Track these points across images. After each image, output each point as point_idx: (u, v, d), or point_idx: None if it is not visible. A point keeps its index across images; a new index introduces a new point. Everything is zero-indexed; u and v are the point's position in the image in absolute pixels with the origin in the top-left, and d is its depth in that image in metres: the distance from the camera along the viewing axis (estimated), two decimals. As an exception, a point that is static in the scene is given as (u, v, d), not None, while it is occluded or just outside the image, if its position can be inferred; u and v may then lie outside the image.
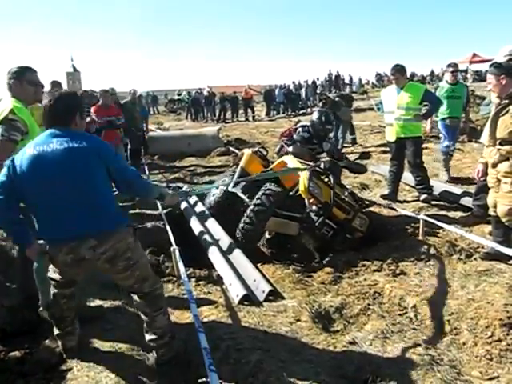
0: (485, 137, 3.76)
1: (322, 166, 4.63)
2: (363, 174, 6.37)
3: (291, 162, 4.48)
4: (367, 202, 4.91)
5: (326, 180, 4.41)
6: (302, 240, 4.49)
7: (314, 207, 4.20)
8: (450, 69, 6.76)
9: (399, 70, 5.50)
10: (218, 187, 5.32)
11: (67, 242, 2.22)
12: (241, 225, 4.19)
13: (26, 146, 2.29)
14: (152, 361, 2.55)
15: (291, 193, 4.39)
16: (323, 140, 5.29)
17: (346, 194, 4.59)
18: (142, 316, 2.53)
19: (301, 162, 4.43)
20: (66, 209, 2.20)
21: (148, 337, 2.53)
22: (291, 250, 4.51)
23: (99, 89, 7.75)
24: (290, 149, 5.14)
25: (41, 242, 2.33)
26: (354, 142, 10.58)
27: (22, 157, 2.21)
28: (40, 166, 2.18)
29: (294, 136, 5.34)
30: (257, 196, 4.20)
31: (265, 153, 5.63)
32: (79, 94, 7.12)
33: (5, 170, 2.23)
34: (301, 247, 4.55)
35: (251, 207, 4.18)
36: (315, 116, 5.35)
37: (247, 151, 5.49)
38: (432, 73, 33.39)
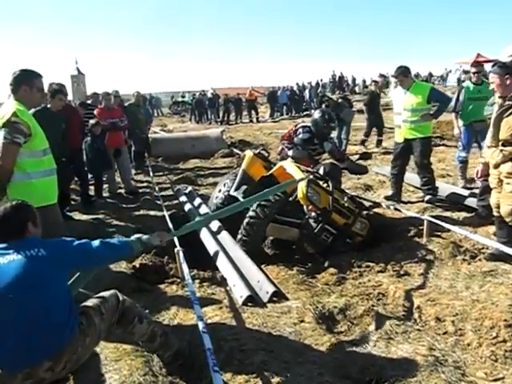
0: (487, 137, 3.74)
1: (321, 171, 4.61)
2: (367, 175, 6.36)
3: (290, 167, 4.43)
4: (369, 204, 4.87)
5: (325, 186, 4.36)
6: (302, 244, 4.45)
7: (312, 214, 4.18)
8: (473, 69, 6.24)
9: (402, 71, 5.47)
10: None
11: (21, 370, 1.97)
12: (239, 236, 4.20)
13: None
14: (159, 363, 2.55)
15: (291, 198, 4.32)
16: (325, 140, 5.21)
17: (346, 198, 4.55)
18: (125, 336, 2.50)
19: (299, 167, 4.38)
20: (14, 335, 1.98)
21: (141, 344, 2.53)
22: (295, 252, 4.50)
23: (102, 91, 7.78)
24: (290, 152, 5.10)
25: None
26: (379, 143, 10.44)
27: None
28: None
29: (295, 139, 5.27)
30: (252, 208, 4.15)
31: (266, 154, 5.57)
32: (87, 97, 7.16)
33: None
34: (303, 249, 4.53)
35: (247, 220, 4.15)
36: (318, 115, 5.25)
37: (248, 153, 5.43)
38: (430, 74, 33.05)
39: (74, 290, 2.41)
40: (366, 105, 10.77)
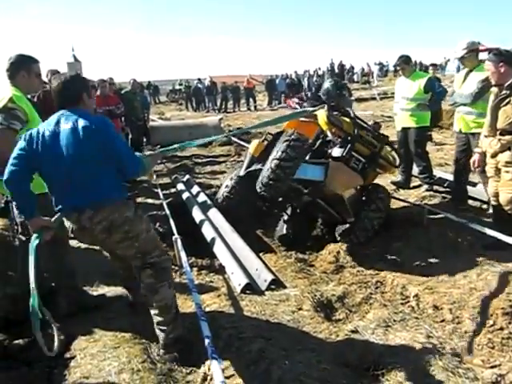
0: (484, 127, 3.73)
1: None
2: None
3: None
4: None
5: (346, 113, 4.08)
6: (330, 189, 3.93)
7: (338, 140, 3.99)
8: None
9: (404, 60, 5.55)
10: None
11: (71, 212, 2.43)
12: (264, 179, 3.73)
13: (40, 124, 2.50)
14: (160, 344, 2.56)
15: (314, 146, 4.07)
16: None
17: (367, 128, 4.19)
18: (145, 292, 2.55)
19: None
20: (69, 182, 2.39)
21: (153, 312, 2.54)
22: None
23: (97, 79, 7.69)
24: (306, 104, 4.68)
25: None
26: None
27: (38, 133, 2.39)
28: (51, 143, 2.36)
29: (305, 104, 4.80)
30: (281, 148, 3.69)
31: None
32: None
33: (21, 143, 2.40)
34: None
35: (275, 162, 3.66)
36: (329, 83, 4.90)
37: (255, 141, 5.22)
38: (420, 63, 32.24)
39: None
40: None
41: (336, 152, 3.97)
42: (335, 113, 3.98)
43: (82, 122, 2.36)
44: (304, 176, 3.81)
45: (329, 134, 4.02)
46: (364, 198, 4.22)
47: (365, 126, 4.15)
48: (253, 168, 4.55)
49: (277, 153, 3.71)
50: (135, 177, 2.88)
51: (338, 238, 4.16)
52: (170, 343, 2.53)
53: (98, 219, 2.39)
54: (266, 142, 4.86)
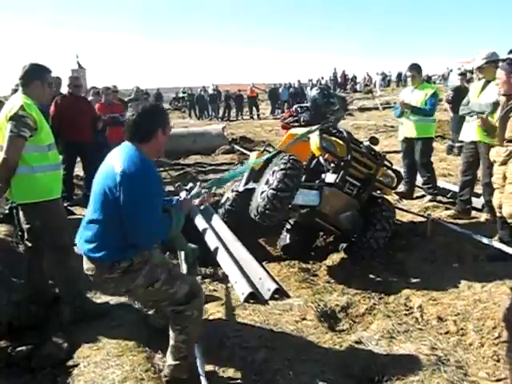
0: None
1: (332, 120, 4.30)
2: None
3: (300, 130, 4.11)
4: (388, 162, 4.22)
5: (339, 135, 3.96)
6: (326, 214, 3.92)
7: (331, 165, 3.85)
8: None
9: (416, 67, 5.61)
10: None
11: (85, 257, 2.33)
12: (260, 208, 3.65)
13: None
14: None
15: (308, 165, 4.05)
16: (325, 118, 4.62)
17: (363, 148, 4.03)
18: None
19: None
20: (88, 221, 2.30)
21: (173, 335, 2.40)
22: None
23: (102, 86, 7.75)
24: (302, 117, 4.66)
25: None
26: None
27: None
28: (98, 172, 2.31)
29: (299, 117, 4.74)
30: (279, 177, 3.58)
31: (272, 150, 5.24)
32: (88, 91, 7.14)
33: None
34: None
35: (272, 192, 3.56)
36: (316, 92, 4.80)
37: (254, 153, 5.21)
38: (399, 75, 32.11)
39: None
40: (451, 102, 8.76)
41: (329, 178, 3.85)
42: (327, 135, 3.86)
43: (121, 165, 2.16)
44: (299, 202, 3.75)
45: (321, 160, 3.91)
46: (369, 216, 3.98)
47: (359, 147, 3.99)
48: (250, 186, 4.52)
49: (273, 181, 3.62)
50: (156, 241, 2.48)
51: (343, 253, 4.12)
52: (170, 378, 2.40)
53: (99, 277, 2.30)
54: (266, 155, 4.71)
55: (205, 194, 2.72)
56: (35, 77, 2.98)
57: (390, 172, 4.10)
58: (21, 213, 3.13)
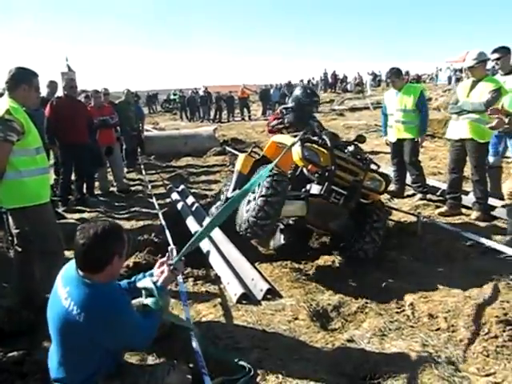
0: None
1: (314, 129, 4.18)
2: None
3: (281, 137, 4.08)
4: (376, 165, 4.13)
5: (322, 143, 3.81)
6: (315, 222, 3.93)
7: (315, 175, 3.70)
8: (495, 55, 5.01)
9: (394, 72, 5.66)
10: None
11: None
12: (251, 218, 3.53)
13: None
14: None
15: (293, 174, 4.00)
16: (310, 117, 4.70)
17: (348, 153, 3.91)
18: None
19: (295, 136, 3.88)
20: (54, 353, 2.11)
21: None
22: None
23: (91, 89, 7.72)
24: (286, 119, 4.57)
25: None
26: None
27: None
28: (50, 305, 2.10)
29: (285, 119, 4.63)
30: (266, 184, 3.52)
31: (260, 152, 5.00)
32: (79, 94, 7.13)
33: None
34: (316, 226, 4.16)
35: (262, 199, 3.49)
36: (299, 91, 4.73)
37: (241, 155, 5.00)
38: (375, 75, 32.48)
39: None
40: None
41: (314, 189, 3.74)
42: (310, 144, 3.74)
43: (78, 307, 1.92)
44: (286, 213, 3.74)
45: (305, 171, 3.75)
46: (359, 224, 3.93)
47: (344, 153, 3.87)
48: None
49: (261, 190, 3.54)
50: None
51: (341, 255, 4.06)
52: None
53: None
54: (253, 159, 4.64)
55: (181, 263, 2.42)
56: (22, 80, 2.97)
57: (377, 176, 3.92)
58: (10, 218, 3.11)
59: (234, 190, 4.51)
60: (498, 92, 4.45)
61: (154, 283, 2.22)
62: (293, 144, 3.66)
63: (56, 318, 2.01)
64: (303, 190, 3.83)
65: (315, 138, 3.87)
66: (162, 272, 2.29)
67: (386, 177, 4.04)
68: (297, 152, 3.61)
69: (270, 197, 3.48)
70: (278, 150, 4.06)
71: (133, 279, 2.45)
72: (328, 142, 3.76)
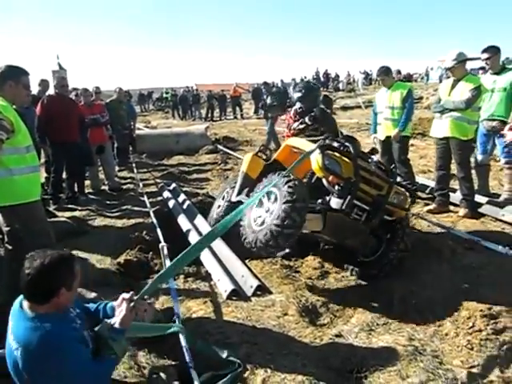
0: None
1: (307, 120, 3.88)
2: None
3: (298, 142, 3.72)
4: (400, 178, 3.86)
5: (345, 151, 3.44)
6: (330, 238, 3.66)
7: (336, 187, 3.33)
8: (485, 55, 5.02)
9: (384, 71, 5.72)
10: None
11: None
12: (275, 228, 3.06)
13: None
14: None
15: (307, 183, 3.65)
16: (319, 101, 4.32)
17: (373, 165, 3.56)
18: None
19: (313, 141, 3.54)
20: None
21: None
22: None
23: (81, 88, 7.70)
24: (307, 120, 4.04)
25: None
26: None
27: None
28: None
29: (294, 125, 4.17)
30: (288, 189, 3.13)
31: (268, 153, 4.69)
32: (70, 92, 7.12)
33: None
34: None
35: (287, 205, 3.06)
36: (295, 87, 4.52)
37: (248, 154, 4.60)
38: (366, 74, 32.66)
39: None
40: None
41: (334, 203, 3.36)
42: (331, 152, 3.36)
43: (21, 342, 1.79)
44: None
45: (324, 181, 3.32)
46: (379, 242, 3.67)
47: (368, 163, 3.52)
48: (243, 199, 4.01)
49: (284, 197, 3.12)
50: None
51: (355, 272, 3.74)
52: None
53: None
54: (262, 161, 4.32)
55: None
56: (8, 77, 2.97)
57: (401, 189, 3.62)
58: (0, 215, 3.11)
59: (239, 193, 4.24)
60: (478, 90, 4.59)
61: (111, 326, 2.01)
62: (312, 151, 3.29)
63: (7, 356, 1.89)
64: (319, 201, 3.45)
65: (337, 145, 3.49)
66: (121, 311, 2.07)
67: (413, 191, 3.76)
68: (316, 160, 3.21)
69: (296, 202, 3.07)
70: (292, 155, 3.78)
71: (101, 304, 2.30)
72: (352, 150, 3.41)
